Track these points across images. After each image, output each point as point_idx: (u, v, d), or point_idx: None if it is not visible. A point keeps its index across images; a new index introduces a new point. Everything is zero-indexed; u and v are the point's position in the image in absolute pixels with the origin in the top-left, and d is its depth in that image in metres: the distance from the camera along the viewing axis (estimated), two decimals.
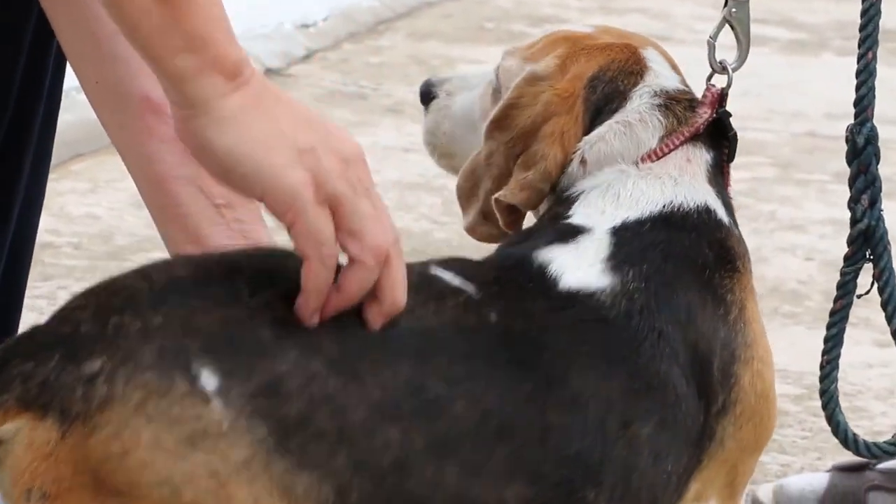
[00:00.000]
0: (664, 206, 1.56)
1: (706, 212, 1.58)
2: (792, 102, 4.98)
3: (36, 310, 3.07)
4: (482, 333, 1.37)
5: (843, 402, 2.75)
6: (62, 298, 3.14)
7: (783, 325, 3.23)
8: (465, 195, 1.63)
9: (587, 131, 1.61)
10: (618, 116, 1.61)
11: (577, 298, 1.46)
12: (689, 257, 1.54)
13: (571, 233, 1.52)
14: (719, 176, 1.62)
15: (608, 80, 1.63)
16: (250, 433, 1.19)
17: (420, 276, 1.37)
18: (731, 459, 1.52)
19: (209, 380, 1.19)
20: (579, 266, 1.48)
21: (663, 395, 1.44)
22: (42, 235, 3.58)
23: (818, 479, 2.26)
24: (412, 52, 6.11)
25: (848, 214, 1.74)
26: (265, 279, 1.30)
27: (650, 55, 1.67)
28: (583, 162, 1.59)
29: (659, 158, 1.59)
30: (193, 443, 1.17)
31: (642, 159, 1.59)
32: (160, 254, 3.47)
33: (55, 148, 4.13)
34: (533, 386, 1.36)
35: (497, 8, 7.05)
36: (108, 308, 1.23)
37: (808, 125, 4.45)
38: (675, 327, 1.48)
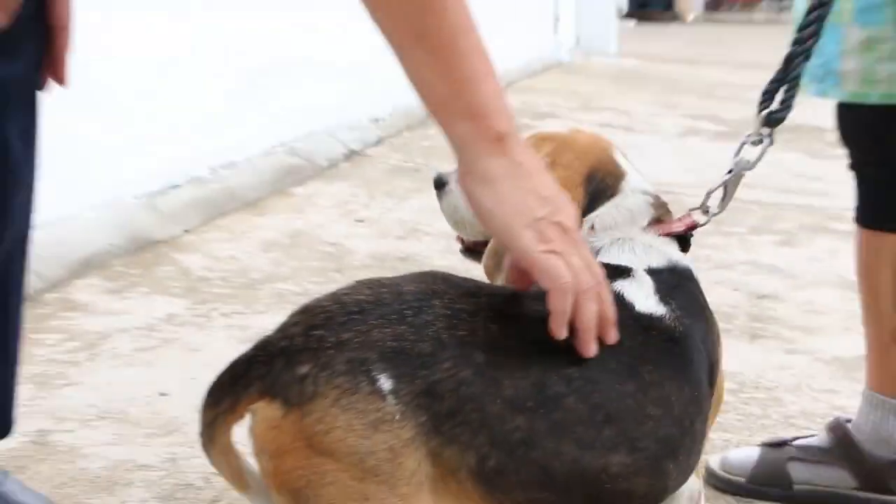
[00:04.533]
0: (668, 261, 1.58)
1: (689, 270, 1.61)
2: (717, 174, 5.00)
3: (196, 325, 3.13)
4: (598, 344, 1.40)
5: (763, 395, 2.82)
6: (215, 317, 3.23)
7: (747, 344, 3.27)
8: (491, 271, 1.61)
9: (586, 210, 1.62)
10: (616, 201, 1.62)
11: (653, 320, 1.49)
12: (695, 295, 1.58)
13: (623, 272, 1.54)
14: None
15: (600, 178, 1.64)
16: (414, 420, 1.26)
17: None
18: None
19: (385, 383, 1.26)
20: (643, 296, 1.51)
21: (702, 396, 1.50)
22: (199, 271, 3.67)
23: (752, 452, 2.27)
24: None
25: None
26: (426, 301, 1.35)
27: (619, 158, 1.67)
28: (592, 228, 1.60)
29: (650, 234, 1.61)
30: (375, 427, 1.25)
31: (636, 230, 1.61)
32: (282, 285, 3.56)
33: (203, 207, 4.21)
34: (636, 386, 1.40)
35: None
36: (312, 326, 1.31)
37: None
38: (702, 343, 1.53)
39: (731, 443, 2.47)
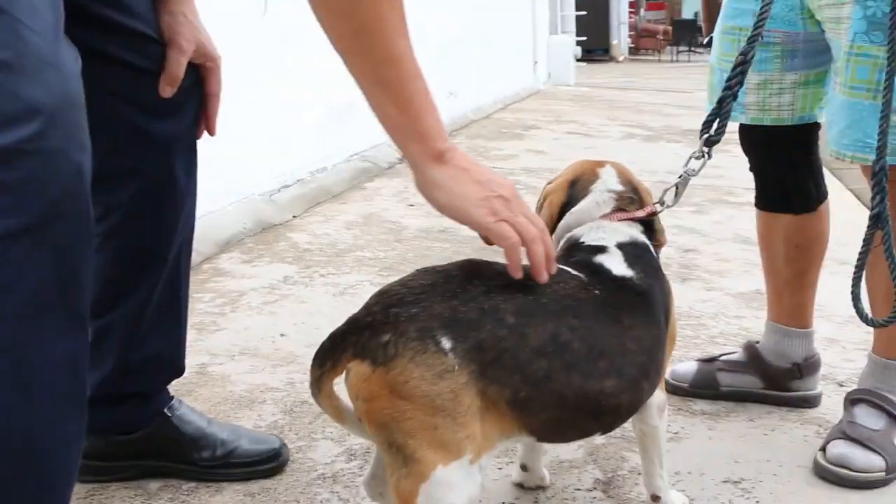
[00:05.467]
0: (630, 238, 1.48)
1: (646, 245, 1.50)
2: (652, 165, 4.85)
3: (303, 284, 3.02)
4: (590, 301, 1.33)
5: (693, 321, 2.68)
6: (316, 278, 3.10)
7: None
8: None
9: (566, 204, 1.55)
10: (588, 198, 1.53)
11: (625, 281, 1.40)
12: (651, 262, 1.47)
13: (600, 249, 1.45)
14: (651, 240, 1.53)
15: (580, 183, 1.56)
16: (468, 369, 1.20)
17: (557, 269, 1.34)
18: (665, 359, 1.49)
19: (446, 343, 1.19)
20: (616, 264, 1.42)
21: (662, 334, 1.42)
22: (304, 245, 3.56)
23: (691, 366, 2.15)
24: (470, 145, 6.02)
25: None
26: (469, 282, 1.27)
27: (604, 171, 1.57)
28: (571, 215, 1.53)
29: (614, 220, 1.51)
30: (441, 376, 1.18)
31: (602, 217, 1.51)
32: (360, 253, 3.45)
33: (306, 200, 4.14)
34: (618, 329, 1.33)
35: (506, 123, 6.94)
36: (389, 304, 1.23)
37: (658, 178, 4.31)
38: (660, 297, 1.43)
39: (675, 357, 2.33)
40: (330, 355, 1.24)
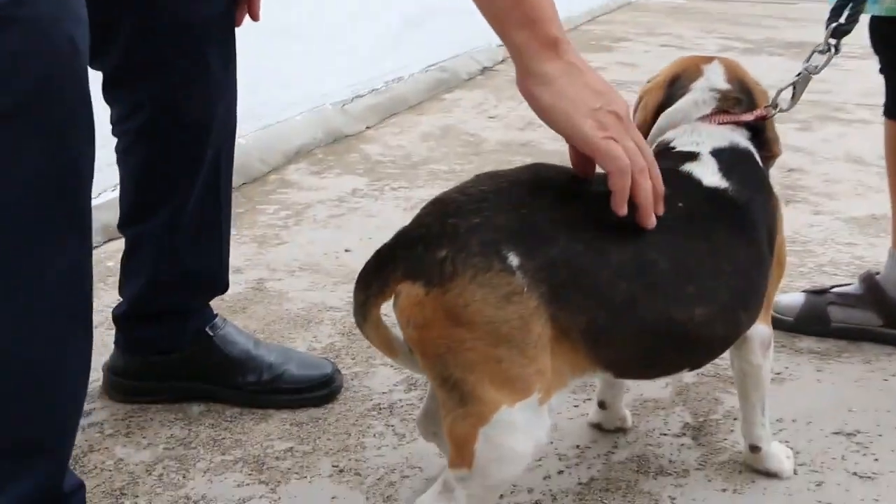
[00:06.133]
0: (730, 143, 1.25)
1: (748, 151, 1.27)
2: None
3: (373, 197, 2.84)
4: (676, 216, 1.12)
5: (799, 247, 2.39)
6: (386, 191, 2.90)
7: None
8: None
9: (663, 105, 1.33)
10: (686, 97, 1.31)
11: (718, 192, 1.19)
12: (754, 171, 1.25)
13: (691, 155, 1.23)
14: (758, 148, 1.30)
15: (680, 81, 1.33)
16: (538, 290, 1.00)
17: None
18: (770, 288, 1.27)
19: (514, 260, 1.00)
20: (709, 174, 1.20)
21: (763, 255, 1.20)
22: (376, 157, 3.36)
23: (798, 297, 1.90)
24: None
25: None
26: (541, 186, 1.08)
27: (710, 67, 1.34)
28: (665, 116, 1.32)
29: (714, 123, 1.28)
30: (508, 299, 0.99)
31: (700, 119, 1.28)
32: (434, 166, 3.24)
33: (380, 110, 3.96)
34: (710, 248, 1.13)
35: (594, 35, 6.59)
36: (445, 214, 1.04)
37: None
38: (761, 213, 1.20)
39: (780, 289, 2.09)
40: (376, 276, 1.05)
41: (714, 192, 1.19)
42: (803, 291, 1.93)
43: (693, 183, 1.20)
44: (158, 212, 1.45)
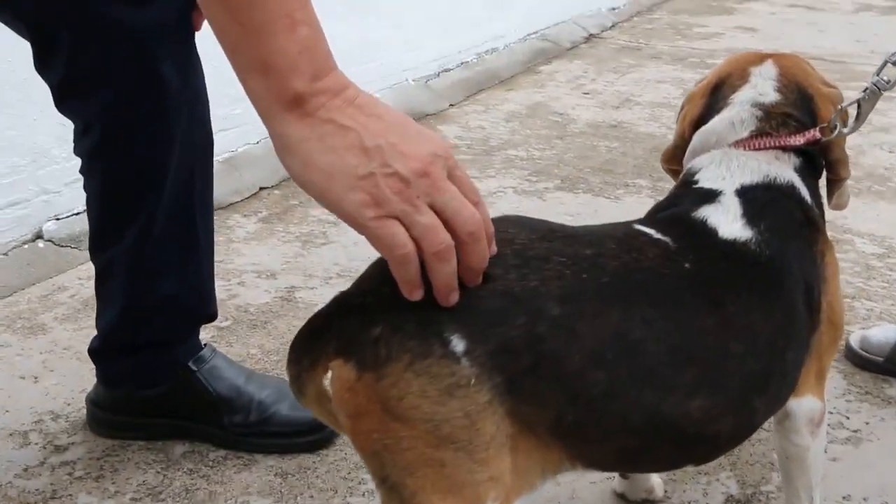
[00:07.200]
0: (764, 177, 1.02)
1: (792, 186, 1.02)
2: (882, 44, 4.07)
3: None
4: (678, 281, 0.90)
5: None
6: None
7: (872, 199, 2.50)
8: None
9: (703, 117, 1.12)
10: (722, 114, 1.09)
11: (737, 246, 0.96)
12: (790, 212, 1.01)
13: (710, 195, 1.00)
14: (808, 177, 1.05)
15: (723, 89, 1.12)
16: (490, 381, 0.80)
17: (625, 233, 0.94)
18: (816, 357, 1.02)
19: (458, 344, 0.79)
20: (728, 221, 0.97)
21: (796, 321, 0.97)
22: (451, 139, 3.17)
23: (891, 332, 1.61)
24: (670, 21, 5.34)
25: None
26: (500, 248, 0.85)
27: (759, 70, 1.10)
28: (698, 136, 1.10)
29: (750, 149, 1.04)
30: (450, 392, 0.80)
31: (735, 144, 1.06)
32: (512, 151, 3.02)
33: (467, 86, 3.74)
34: (717, 320, 0.90)
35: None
36: (384, 279, 0.80)
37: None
38: (796, 266, 0.98)
39: (874, 312, 1.79)
40: (307, 349, 0.86)
41: (732, 245, 0.95)
42: None
43: (707, 234, 0.96)
44: (124, 235, 1.30)
